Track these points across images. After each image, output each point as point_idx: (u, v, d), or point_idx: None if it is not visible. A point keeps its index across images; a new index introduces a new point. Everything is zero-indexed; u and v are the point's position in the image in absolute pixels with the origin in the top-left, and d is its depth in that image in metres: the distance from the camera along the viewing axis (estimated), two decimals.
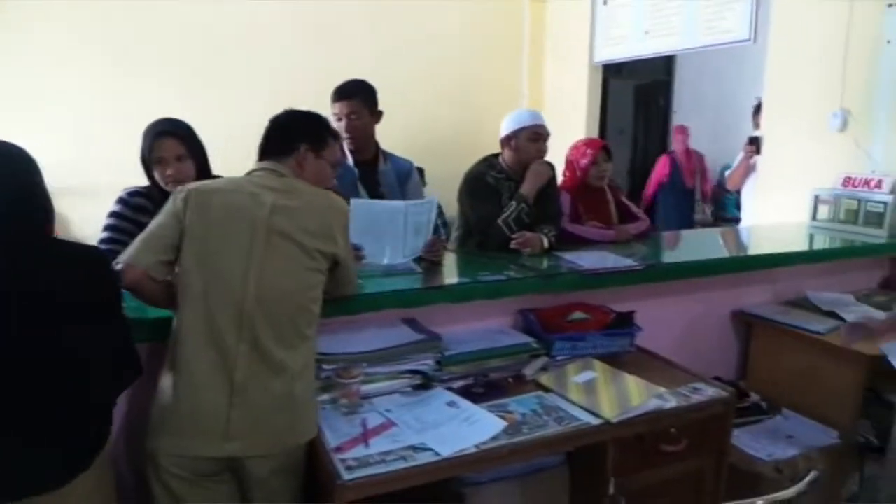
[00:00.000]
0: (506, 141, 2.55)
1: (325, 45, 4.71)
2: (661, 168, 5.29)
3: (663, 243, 3.04)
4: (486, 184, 2.52)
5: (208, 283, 1.48)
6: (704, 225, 5.16)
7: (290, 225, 1.53)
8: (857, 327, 2.32)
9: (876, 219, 2.99)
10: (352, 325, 1.89)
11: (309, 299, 1.56)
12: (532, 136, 2.50)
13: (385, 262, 2.09)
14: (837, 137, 3.29)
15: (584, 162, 2.74)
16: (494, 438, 1.56)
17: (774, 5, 3.63)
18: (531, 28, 5.48)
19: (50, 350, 1.30)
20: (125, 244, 1.91)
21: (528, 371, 1.93)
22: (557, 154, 2.81)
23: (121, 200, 2.01)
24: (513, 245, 2.40)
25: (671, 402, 1.78)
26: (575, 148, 2.81)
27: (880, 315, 2.51)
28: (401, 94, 4.30)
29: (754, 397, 2.46)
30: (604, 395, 1.78)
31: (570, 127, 4.87)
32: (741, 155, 4.23)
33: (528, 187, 2.47)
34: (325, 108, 2.41)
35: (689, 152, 5.27)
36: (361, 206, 2.02)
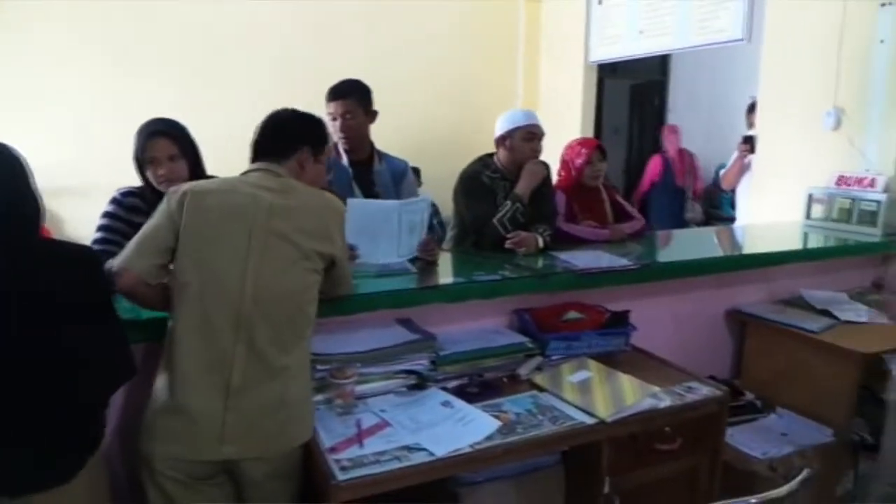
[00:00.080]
0: (500, 141, 2.55)
1: (321, 45, 4.72)
2: (653, 168, 5.31)
3: (658, 243, 3.04)
4: (481, 183, 2.52)
5: (204, 284, 1.47)
6: (695, 223, 5.18)
7: (288, 225, 1.53)
8: None
9: (869, 217, 3.00)
10: (346, 326, 1.89)
11: (306, 300, 1.56)
12: (526, 136, 2.50)
13: (380, 261, 2.09)
14: (831, 136, 3.29)
15: (578, 161, 2.75)
16: (489, 438, 1.56)
17: (768, 5, 3.64)
18: (526, 28, 5.49)
19: (49, 350, 1.30)
20: (119, 244, 1.91)
21: (523, 371, 1.93)
22: (552, 154, 2.81)
23: (114, 201, 2.00)
24: (508, 244, 2.40)
25: (665, 402, 1.78)
26: (570, 147, 2.82)
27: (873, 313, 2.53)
28: (396, 94, 4.31)
29: (749, 396, 2.46)
30: (598, 395, 1.78)
31: (565, 126, 4.88)
32: (735, 154, 4.24)
33: (522, 187, 2.47)
34: (322, 108, 2.42)
35: (681, 152, 5.29)
36: (356, 205, 2.02)
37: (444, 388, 1.82)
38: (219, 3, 4.51)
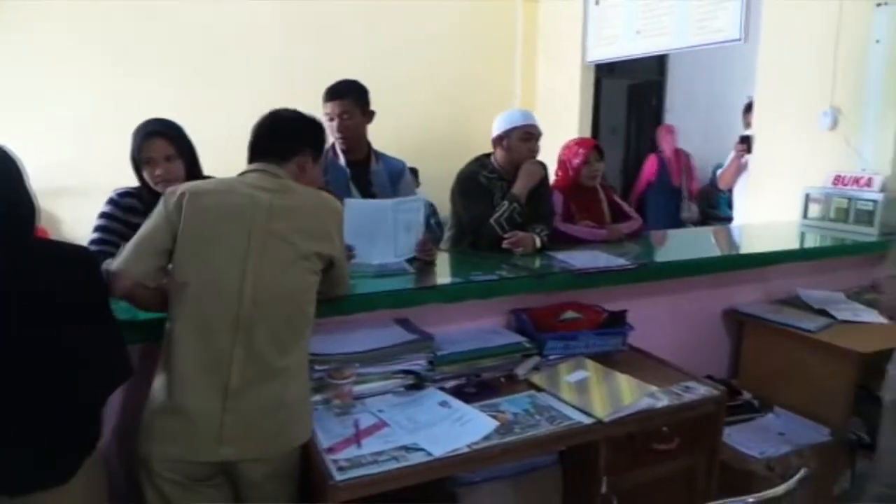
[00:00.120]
0: (497, 141, 2.55)
1: (320, 45, 4.72)
2: (649, 167, 5.32)
3: (655, 242, 3.04)
4: (478, 183, 2.52)
5: (203, 285, 1.46)
6: (692, 223, 5.19)
7: (287, 226, 1.52)
8: None
9: (866, 217, 3.01)
10: (344, 326, 1.88)
11: (305, 301, 1.55)
12: (524, 136, 2.51)
13: (377, 261, 2.09)
14: (828, 136, 3.30)
15: (576, 161, 2.75)
16: (486, 438, 1.56)
17: (765, 5, 3.65)
18: (524, 28, 5.49)
19: (49, 350, 1.30)
20: (115, 245, 1.91)
21: (521, 371, 1.94)
22: (550, 154, 2.81)
23: (111, 201, 2.00)
24: (505, 244, 2.40)
25: (663, 401, 1.78)
26: (567, 148, 2.82)
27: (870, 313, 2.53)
28: (394, 95, 4.31)
29: (746, 395, 2.47)
30: (596, 395, 1.78)
31: (562, 127, 4.88)
32: (732, 154, 4.25)
33: (519, 187, 2.47)
34: (321, 109, 2.42)
35: (677, 152, 5.30)
36: (352, 205, 2.02)
37: (442, 388, 1.82)
38: (218, 3, 4.51)
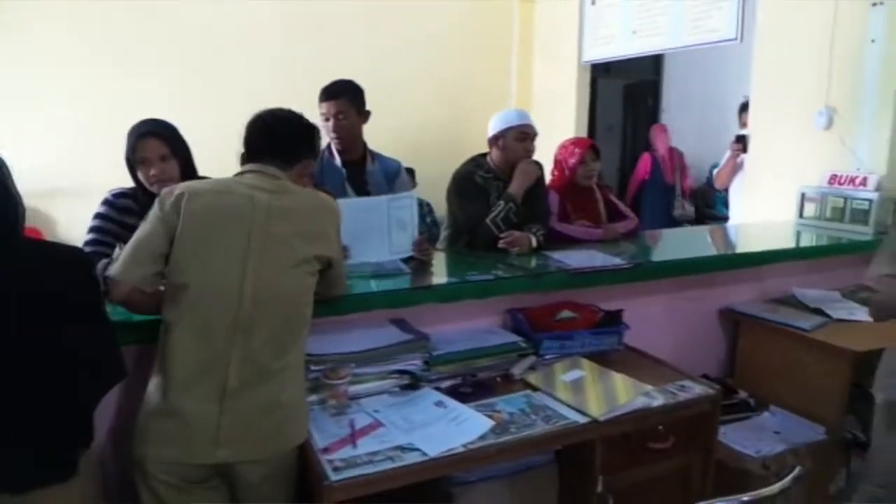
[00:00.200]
0: (493, 140, 2.56)
1: (317, 46, 4.71)
2: (643, 166, 5.34)
3: (651, 242, 3.05)
4: (473, 183, 2.52)
5: (202, 286, 1.45)
6: (685, 220, 5.21)
7: (286, 228, 1.52)
8: None
9: (861, 216, 3.02)
10: (340, 326, 1.88)
11: (303, 303, 1.55)
12: (519, 136, 2.51)
13: (372, 259, 2.07)
14: (823, 136, 3.31)
15: (572, 161, 2.75)
16: (482, 438, 1.56)
17: (760, 5, 3.65)
18: (520, 28, 5.49)
19: (44, 350, 1.30)
20: (110, 246, 1.91)
21: (516, 370, 1.94)
22: (546, 153, 2.82)
23: (106, 202, 1.99)
24: (501, 244, 2.40)
25: (658, 400, 1.79)
26: (563, 147, 2.82)
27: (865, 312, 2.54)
28: (391, 95, 4.31)
29: (742, 394, 2.47)
30: (591, 394, 1.78)
31: (558, 126, 4.88)
32: (728, 153, 4.26)
33: (515, 187, 2.47)
34: (317, 109, 2.42)
35: (670, 150, 5.33)
36: (344, 205, 2.01)
37: (438, 388, 1.82)
38: (215, 3, 4.51)
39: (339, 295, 1.76)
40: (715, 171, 4.58)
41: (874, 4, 3.07)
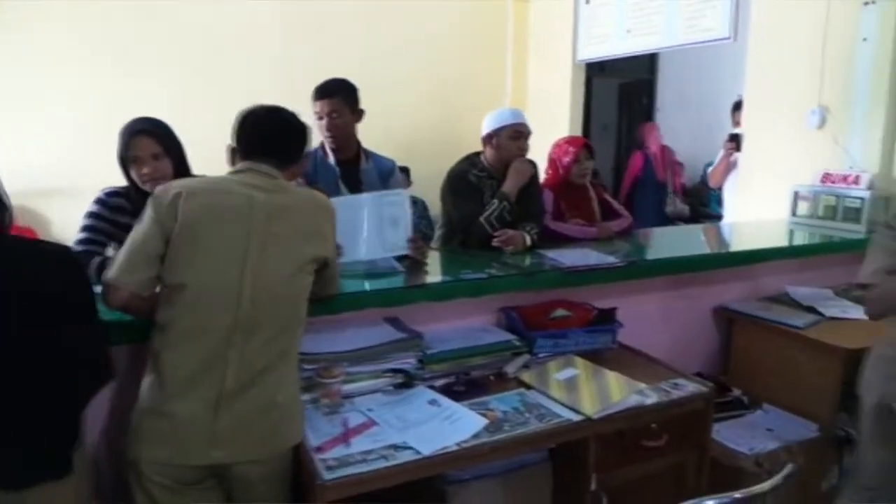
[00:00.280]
0: (487, 139, 2.56)
1: (314, 45, 4.71)
2: (634, 164, 5.36)
3: (645, 240, 3.05)
4: (468, 182, 2.52)
5: (201, 287, 1.44)
6: (677, 216, 5.23)
7: (285, 228, 1.51)
8: None
9: (854, 214, 3.03)
10: (334, 325, 1.88)
11: (300, 303, 1.55)
12: (513, 135, 2.51)
13: (366, 257, 2.06)
14: (816, 134, 3.32)
15: (566, 160, 2.75)
16: (476, 436, 1.56)
17: (753, 4, 3.66)
18: (514, 27, 5.50)
19: (34, 349, 1.30)
20: (102, 245, 1.90)
21: (510, 369, 1.94)
22: (541, 152, 2.82)
23: (98, 201, 1.98)
24: (495, 243, 2.40)
25: (651, 398, 1.79)
26: (557, 146, 2.82)
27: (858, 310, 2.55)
28: (387, 94, 4.32)
29: (735, 392, 2.48)
30: (585, 392, 1.78)
31: (553, 125, 4.89)
32: (722, 152, 4.27)
33: (509, 185, 2.47)
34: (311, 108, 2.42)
35: (661, 148, 5.35)
36: (335, 203, 2.01)
37: (431, 387, 1.82)
38: (213, 3, 4.51)
39: (333, 294, 1.75)
40: (709, 170, 4.59)
41: (866, 3, 3.08)
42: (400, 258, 2.16)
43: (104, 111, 4.05)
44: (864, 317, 2.44)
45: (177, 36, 4.40)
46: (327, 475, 1.39)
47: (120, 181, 1.98)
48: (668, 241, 3.21)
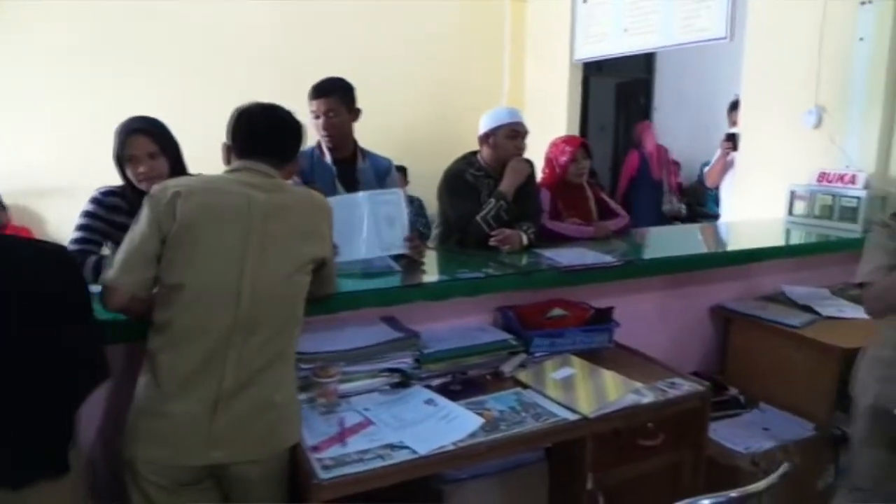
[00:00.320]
0: (484, 139, 2.56)
1: (310, 44, 4.71)
2: (630, 163, 5.36)
3: (642, 239, 3.06)
4: (464, 181, 2.52)
5: (200, 287, 1.43)
6: (673, 215, 5.24)
7: (283, 228, 1.51)
8: None
9: (850, 214, 3.04)
10: (330, 324, 1.88)
11: (298, 303, 1.54)
12: (510, 134, 2.51)
13: (363, 255, 2.05)
14: (813, 134, 3.33)
15: (563, 159, 2.75)
16: (472, 436, 1.56)
17: (750, 4, 3.67)
18: (512, 27, 5.50)
19: (30, 349, 1.30)
20: (98, 244, 1.90)
21: (507, 368, 1.94)
22: (539, 152, 2.82)
23: (94, 200, 1.97)
24: (492, 242, 2.40)
25: (648, 397, 1.79)
26: (554, 145, 2.82)
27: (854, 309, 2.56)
28: (384, 94, 4.31)
29: (732, 391, 2.48)
30: (581, 391, 1.78)
31: (551, 125, 4.88)
32: (719, 152, 4.28)
33: (506, 184, 2.47)
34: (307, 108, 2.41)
35: (657, 147, 5.36)
36: (332, 202, 2.00)
37: (428, 386, 1.82)
38: (209, 3, 4.50)
39: (330, 294, 1.75)
40: (706, 170, 4.60)
41: (862, 3, 3.09)
42: (397, 257, 2.16)
43: (100, 110, 4.04)
44: (861, 316, 2.45)
45: (172, 35, 4.40)
46: (323, 475, 1.39)
47: (116, 180, 1.97)
48: (664, 241, 3.22)
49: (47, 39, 4.10)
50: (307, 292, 1.58)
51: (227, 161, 1.62)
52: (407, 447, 1.50)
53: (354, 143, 2.56)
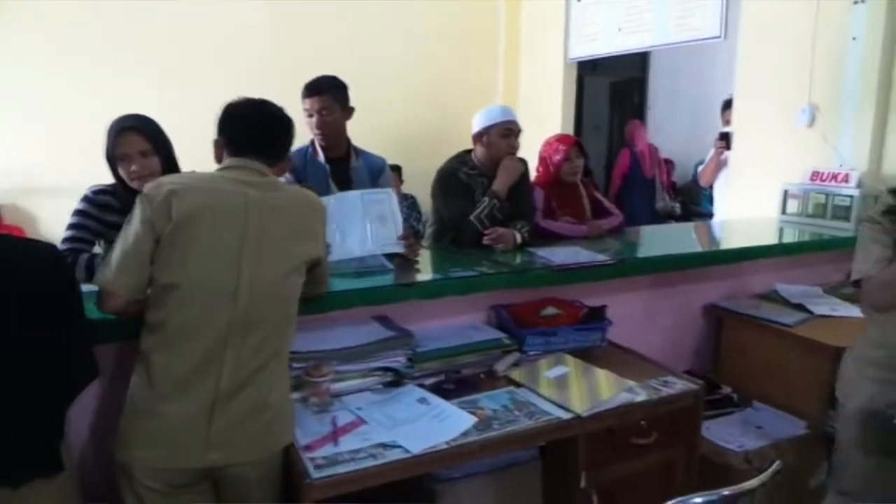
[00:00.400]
0: (477, 137, 2.55)
1: (303, 43, 4.69)
2: (622, 162, 5.38)
3: (635, 238, 3.06)
4: (458, 180, 2.52)
5: (196, 287, 1.41)
6: (667, 213, 5.26)
7: (279, 227, 1.49)
8: None
9: (843, 212, 3.05)
10: (323, 323, 1.87)
11: (293, 303, 1.54)
12: (503, 132, 2.51)
13: (356, 253, 2.04)
14: (806, 133, 3.34)
15: (557, 158, 2.75)
16: (465, 434, 1.56)
17: (744, 3, 3.67)
18: (506, 26, 5.49)
19: (24, 348, 1.30)
20: (89, 243, 1.89)
21: (500, 367, 1.93)
22: (534, 150, 2.82)
23: (86, 199, 1.97)
24: (485, 241, 2.40)
25: (641, 396, 1.79)
26: (548, 144, 2.82)
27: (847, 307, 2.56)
28: (378, 92, 4.31)
29: (725, 389, 2.49)
30: (575, 390, 1.78)
31: (545, 124, 4.88)
32: (712, 151, 4.28)
33: (500, 183, 2.47)
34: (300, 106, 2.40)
35: (648, 146, 5.38)
36: (324, 202, 2.00)
37: (421, 385, 1.81)
38: (201, 2, 4.48)
39: (323, 293, 1.74)
40: (700, 169, 4.60)
41: (855, 2, 3.09)
42: (390, 256, 2.15)
43: (92, 109, 4.01)
44: (853, 314, 2.47)
45: (163, 34, 4.37)
46: (315, 474, 1.38)
47: (105, 179, 1.96)
48: (658, 240, 3.22)
49: (34, 39, 4.07)
50: (301, 292, 1.57)
51: (219, 158, 1.60)
52: (399, 446, 1.49)
53: (348, 141, 2.55)
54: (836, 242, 2.92)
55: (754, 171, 3.67)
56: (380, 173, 2.56)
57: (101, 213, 1.95)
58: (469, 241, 2.43)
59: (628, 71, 6.41)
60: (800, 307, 2.58)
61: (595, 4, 4.66)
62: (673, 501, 1.26)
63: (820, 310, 2.55)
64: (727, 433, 2.21)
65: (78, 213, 1.95)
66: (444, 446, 1.51)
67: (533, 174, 2.75)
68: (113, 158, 1.92)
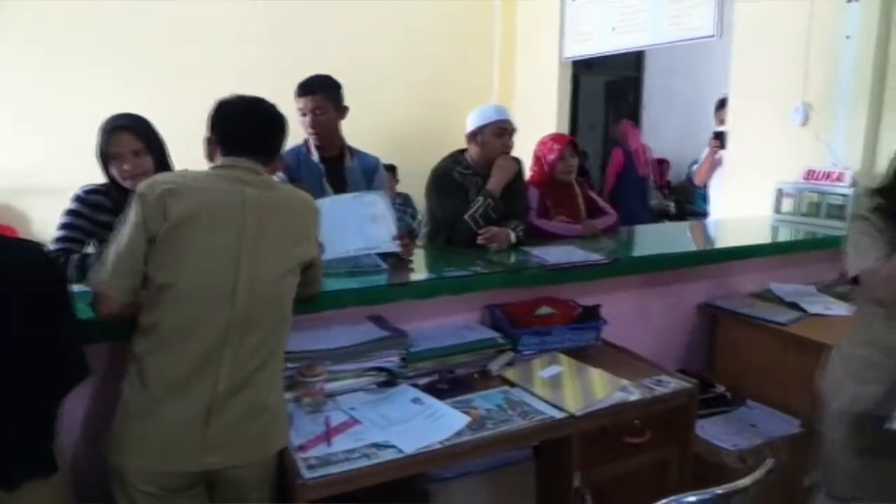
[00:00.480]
0: (471, 136, 2.55)
1: (297, 41, 4.68)
2: (615, 160, 5.39)
3: (630, 237, 3.06)
4: (452, 179, 2.52)
5: (193, 287, 1.39)
6: (662, 212, 5.27)
7: (275, 228, 1.48)
8: None
9: (837, 211, 3.05)
10: (316, 323, 1.87)
11: (289, 303, 1.53)
12: (497, 132, 2.50)
13: (350, 251, 2.03)
14: (800, 132, 3.34)
15: (551, 157, 2.75)
16: (458, 434, 1.56)
17: (738, 2, 3.68)
18: (502, 25, 5.50)
19: (26, 348, 1.30)
20: (81, 243, 1.88)
21: (494, 366, 1.93)
22: (529, 150, 2.82)
23: (77, 198, 1.95)
24: (480, 240, 2.40)
25: (635, 395, 1.79)
26: (542, 143, 2.82)
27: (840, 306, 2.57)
28: (373, 92, 4.30)
29: (720, 388, 2.49)
30: (569, 389, 1.78)
31: (540, 123, 4.87)
32: (707, 150, 4.29)
33: (494, 182, 2.47)
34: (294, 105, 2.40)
35: (641, 146, 5.40)
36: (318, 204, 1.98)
37: (415, 385, 1.81)
38: (195, 3, 4.47)
39: (317, 293, 1.74)
40: (694, 168, 4.61)
41: (849, 1, 3.10)
42: (384, 256, 2.14)
43: (84, 109, 4.00)
44: (847, 313, 2.47)
45: (163, 34, 4.36)
46: (308, 474, 1.38)
47: (98, 179, 1.95)
48: (652, 239, 3.23)
49: (26, 39, 4.06)
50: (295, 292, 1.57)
51: (211, 156, 1.58)
52: (393, 446, 1.49)
53: (342, 141, 2.54)
54: (830, 241, 2.92)
55: (749, 170, 3.67)
56: (374, 173, 2.56)
57: (93, 213, 1.94)
58: (463, 240, 2.43)
59: (623, 70, 6.42)
60: (794, 306, 2.58)
61: (590, 4, 4.67)
62: (667, 500, 1.26)
63: (814, 308, 2.56)
64: (721, 432, 2.22)
65: (69, 212, 1.94)
66: (438, 446, 1.51)
67: (527, 173, 2.74)
68: (105, 157, 1.91)
